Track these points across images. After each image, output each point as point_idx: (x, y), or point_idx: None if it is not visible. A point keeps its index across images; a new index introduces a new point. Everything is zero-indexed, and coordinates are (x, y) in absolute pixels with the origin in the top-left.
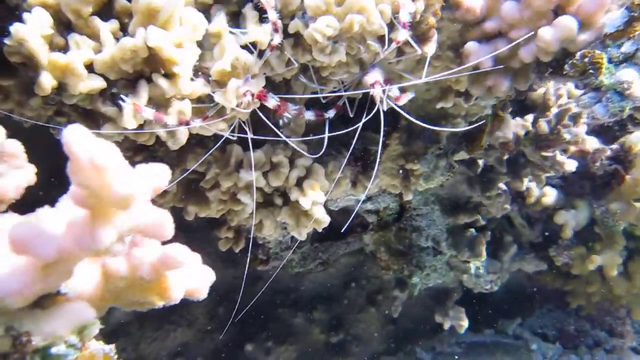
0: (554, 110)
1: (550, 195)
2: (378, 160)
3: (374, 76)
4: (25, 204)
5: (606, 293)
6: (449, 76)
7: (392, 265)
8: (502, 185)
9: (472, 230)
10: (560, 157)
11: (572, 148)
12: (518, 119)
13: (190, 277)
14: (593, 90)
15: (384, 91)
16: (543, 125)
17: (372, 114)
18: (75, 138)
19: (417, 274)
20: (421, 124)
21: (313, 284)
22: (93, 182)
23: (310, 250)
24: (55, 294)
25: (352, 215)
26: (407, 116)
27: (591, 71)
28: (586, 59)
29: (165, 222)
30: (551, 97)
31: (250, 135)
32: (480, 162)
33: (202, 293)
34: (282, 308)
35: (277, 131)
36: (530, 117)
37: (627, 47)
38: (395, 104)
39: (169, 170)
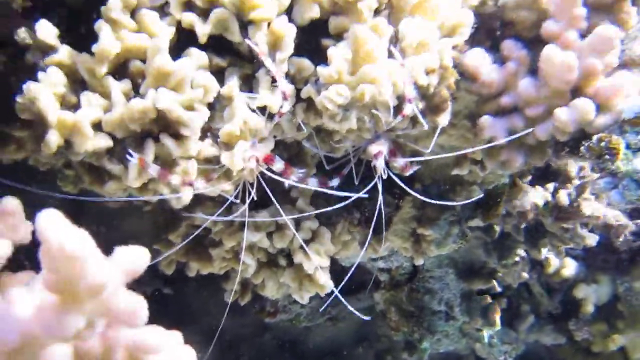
0: (576, 182)
1: (570, 267)
2: (383, 228)
3: (378, 146)
4: None
5: None
6: (455, 155)
7: (402, 327)
8: (520, 252)
9: (487, 297)
10: (581, 231)
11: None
12: (538, 187)
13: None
14: (610, 175)
15: (387, 163)
16: (563, 198)
17: (379, 181)
18: (49, 224)
19: (427, 339)
20: (425, 199)
21: (321, 338)
22: (64, 270)
23: (319, 305)
24: None
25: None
26: (411, 192)
27: (607, 156)
28: (603, 144)
29: (138, 309)
30: (573, 168)
31: (247, 219)
32: (497, 228)
33: None
34: None
35: (279, 208)
36: (550, 187)
37: None
38: (398, 177)
39: (147, 255)
